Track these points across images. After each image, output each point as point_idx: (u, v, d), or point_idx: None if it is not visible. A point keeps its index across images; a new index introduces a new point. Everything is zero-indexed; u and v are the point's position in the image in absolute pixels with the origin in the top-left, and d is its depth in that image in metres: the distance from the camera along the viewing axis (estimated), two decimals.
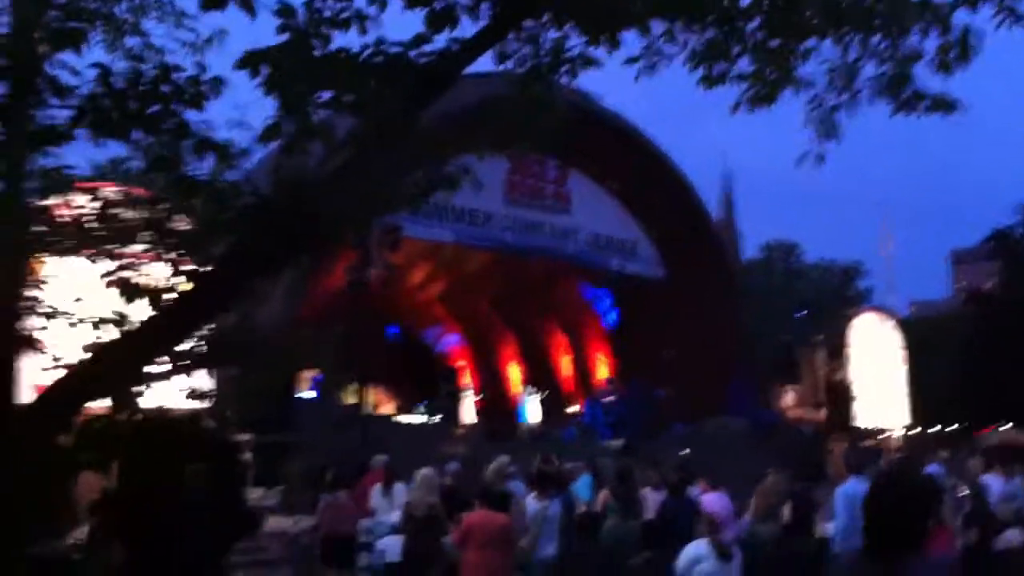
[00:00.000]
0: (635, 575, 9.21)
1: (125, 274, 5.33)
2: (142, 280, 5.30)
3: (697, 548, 9.54)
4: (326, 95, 4.59)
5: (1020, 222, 43.32)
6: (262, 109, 4.91)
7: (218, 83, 4.50)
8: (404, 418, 33.61)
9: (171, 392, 5.54)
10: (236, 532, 6.20)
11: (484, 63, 5.22)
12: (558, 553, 11.27)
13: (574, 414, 38.66)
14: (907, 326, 49.01)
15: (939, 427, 48.01)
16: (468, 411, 35.55)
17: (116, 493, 6.08)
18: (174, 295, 5.19)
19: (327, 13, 4.67)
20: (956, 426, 46.22)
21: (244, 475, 6.79)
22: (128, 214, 5.35)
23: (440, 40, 4.59)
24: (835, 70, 5.81)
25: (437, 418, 32.35)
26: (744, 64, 5.71)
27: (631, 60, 5.66)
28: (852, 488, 11.41)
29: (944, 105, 5.78)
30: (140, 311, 5.20)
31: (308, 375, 27.28)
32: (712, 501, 12.46)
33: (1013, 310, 39.72)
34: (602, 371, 40.25)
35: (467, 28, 4.60)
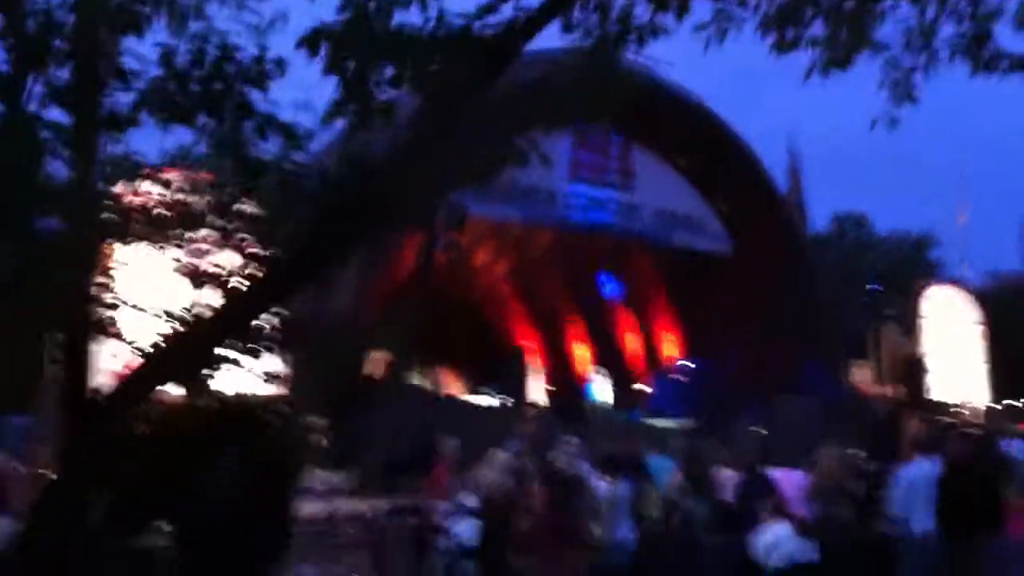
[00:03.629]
0: (711, 557, 9.08)
1: (193, 261, 5.33)
2: (210, 267, 5.30)
3: (775, 531, 9.36)
4: (389, 72, 4.51)
5: None
6: (327, 91, 4.85)
7: (281, 63, 4.44)
8: (473, 399, 33.71)
9: (247, 377, 5.54)
10: (274, 541, 6.14)
11: (550, 38, 5.11)
12: (632, 536, 11.18)
13: (642, 393, 38.43)
14: (982, 297, 47.89)
15: (1018, 401, 46.95)
16: (536, 391, 35.51)
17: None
18: (243, 281, 5.18)
19: None
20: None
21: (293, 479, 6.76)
22: (194, 199, 5.36)
23: (505, 11, 4.47)
24: (912, 31, 5.62)
25: (505, 399, 32.38)
26: (817, 27, 5.54)
27: (700, 27, 5.50)
28: (915, 470, 10.92)
29: None
30: (209, 297, 5.20)
31: (379, 357, 27.46)
32: (785, 479, 12.30)
33: None
34: (670, 349, 39.95)
35: None
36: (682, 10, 4.81)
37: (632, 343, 41.70)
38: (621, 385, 38.52)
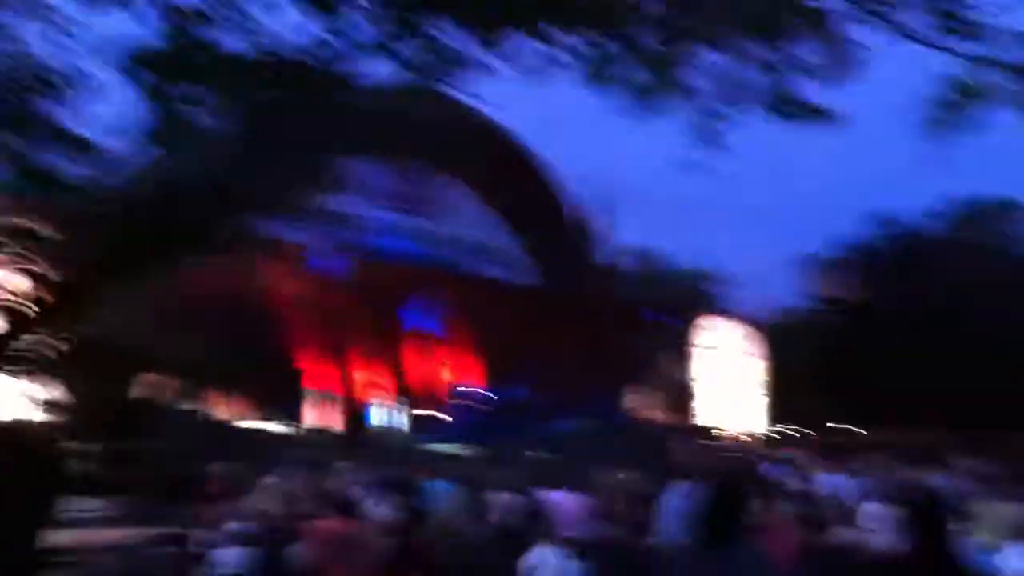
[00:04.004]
0: None
1: None
2: None
3: (541, 553, 9.55)
4: (208, 98, 4.33)
5: (876, 233, 45.04)
6: (137, 112, 4.62)
7: (83, 77, 4.19)
8: (252, 423, 32.86)
9: (15, 400, 5.17)
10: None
11: (373, 69, 5.08)
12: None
13: (428, 418, 38.46)
14: (760, 331, 50.48)
15: (786, 429, 49.69)
16: (319, 416, 34.92)
17: None
18: (29, 301, 4.84)
19: (210, 14, 4.40)
20: (799, 428, 47.96)
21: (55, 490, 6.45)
22: None
23: (332, 41, 4.39)
24: (719, 78, 5.89)
25: (285, 423, 31.74)
26: (633, 70, 5.72)
27: (517, 64, 5.57)
28: (681, 492, 11.33)
29: (821, 115, 5.92)
30: None
31: (156, 380, 26.42)
32: (562, 501, 12.54)
33: (864, 318, 41.29)
34: (459, 375, 40.17)
35: (360, 30, 4.44)
36: (498, 45, 4.87)
37: (423, 369, 41.69)
38: (409, 410, 38.41)
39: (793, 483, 15.31)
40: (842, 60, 5.75)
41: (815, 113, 5.97)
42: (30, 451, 5.43)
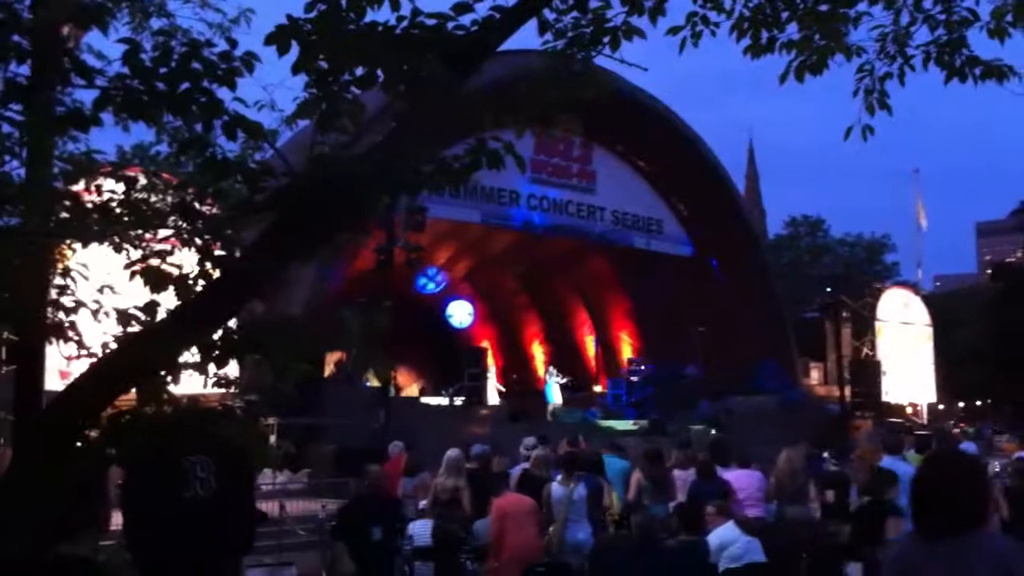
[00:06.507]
0: (668, 557, 9.06)
1: (152, 262, 5.16)
2: (169, 268, 5.13)
3: (725, 532, 9.43)
4: (359, 71, 4.40)
5: None
6: (290, 89, 4.73)
7: (251, 58, 4.29)
8: (429, 400, 33.51)
9: (199, 380, 5.39)
10: (243, 532, 6.15)
11: (523, 38, 5.04)
12: (591, 538, 11.15)
13: (598, 394, 38.49)
14: (932, 300, 48.61)
15: (964, 402, 47.75)
16: (492, 392, 35.40)
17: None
18: (203, 283, 5.02)
19: None
20: (980, 402, 45.99)
21: (253, 471, 6.87)
22: (154, 199, 5.18)
23: (480, 9, 4.37)
24: (886, 36, 5.59)
25: (461, 400, 32.21)
26: (792, 31, 5.50)
27: (674, 30, 5.45)
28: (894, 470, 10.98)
29: (998, 72, 5.53)
30: (167, 300, 5.03)
31: (333, 357, 27.21)
32: (739, 478, 12.32)
33: None
34: (626, 350, 40.05)
35: None
36: (656, 12, 4.75)
37: (588, 344, 41.76)
38: (577, 385, 38.53)
39: (985, 460, 14.64)
40: (1022, 12, 5.34)
41: (993, 71, 5.54)
42: (232, 427, 5.66)
